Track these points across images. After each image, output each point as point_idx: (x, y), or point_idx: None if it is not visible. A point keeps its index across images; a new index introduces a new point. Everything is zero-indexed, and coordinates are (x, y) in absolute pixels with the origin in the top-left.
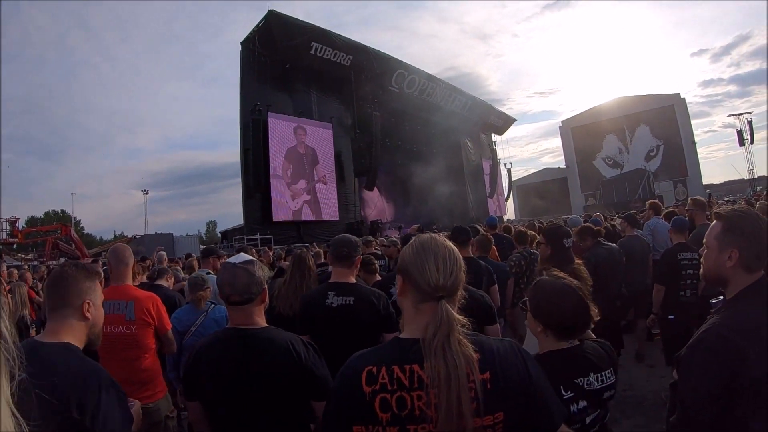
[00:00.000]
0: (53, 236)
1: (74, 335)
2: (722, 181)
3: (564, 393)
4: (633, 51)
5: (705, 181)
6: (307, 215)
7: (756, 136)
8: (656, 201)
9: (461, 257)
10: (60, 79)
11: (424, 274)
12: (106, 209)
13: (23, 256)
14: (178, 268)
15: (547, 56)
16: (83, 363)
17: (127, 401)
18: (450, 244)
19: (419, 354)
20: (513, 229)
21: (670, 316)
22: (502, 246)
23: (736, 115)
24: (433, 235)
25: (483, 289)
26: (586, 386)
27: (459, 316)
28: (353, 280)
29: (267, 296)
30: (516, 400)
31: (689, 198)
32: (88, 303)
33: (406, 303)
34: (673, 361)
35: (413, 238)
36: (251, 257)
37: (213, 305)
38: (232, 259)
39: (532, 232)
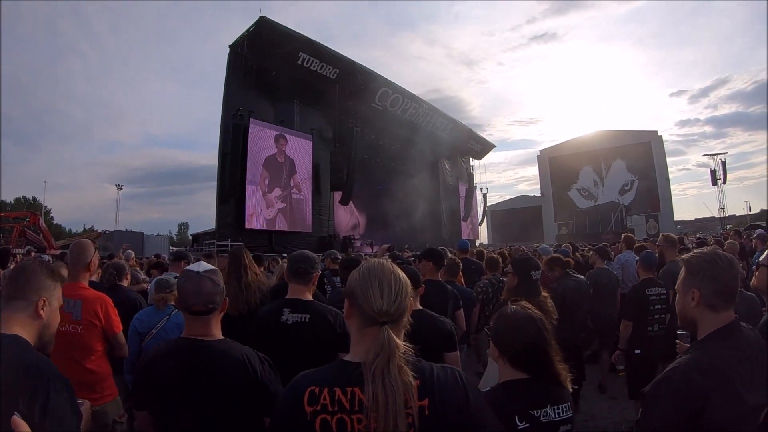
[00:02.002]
0: (21, 224)
1: (25, 330)
2: (693, 218)
3: (519, 423)
4: (614, 87)
5: (676, 217)
6: (280, 225)
7: (729, 176)
8: (630, 234)
9: (409, 283)
10: (46, 63)
11: (368, 298)
12: (78, 201)
13: None
14: (138, 269)
15: (530, 86)
16: (31, 355)
17: (75, 396)
18: (398, 270)
19: (361, 377)
20: (485, 254)
21: (637, 351)
22: (471, 271)
23: (710, 155)
24: (381, 260)
25: (449, 313)
26: (542, 418)
27: (401, 343)
28: (310, 297)
29: (226, 305)
30: (453, 428)
31: (660, 234)
32: (44, 300)
33: (352, 326)
34: (637, 395)
35: (362, 262)
36: (213, 266)
37: (176, 309)
38: (193, 267)
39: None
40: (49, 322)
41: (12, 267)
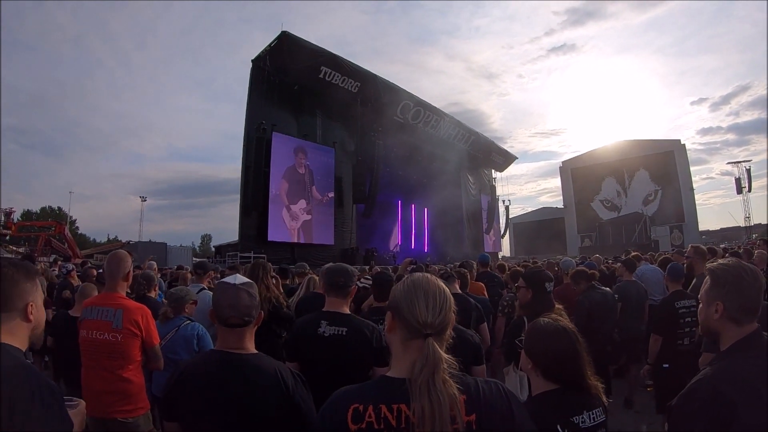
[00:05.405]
0: (47, 233)
1: (14, 337)
2: (718, 228)
3: (560, 431)
4: (635, 97)
5: (701, 227)
6: (303, 237)
7: (754, 184)
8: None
9: (451, 297)
10: (73, 77)
11: (413, 310)
12: (102, 211)
13: (15, 248)
14: (159, 277)
15: (551, 98)
16: (15, 363)
17: (64, 404)
18: (441, 283)
19: (407, 393)
20: (507, 267)
21: (665, 365)
22: (494, 284)
23: (734, 162)
24: (426, 273)
25: (472, 326)
26: (581, 424)
27: (446, 355)
28: (347, 310)
29: (261, 319)
30: None
31: (689, 245)
32: (31, 305)
33: (395, 340)
34: (665, 409)
35: (406, 276)
36: (249, 279)
37: (188, 322)
38: (229, 280)
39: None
40: (38, 322)
41: None
